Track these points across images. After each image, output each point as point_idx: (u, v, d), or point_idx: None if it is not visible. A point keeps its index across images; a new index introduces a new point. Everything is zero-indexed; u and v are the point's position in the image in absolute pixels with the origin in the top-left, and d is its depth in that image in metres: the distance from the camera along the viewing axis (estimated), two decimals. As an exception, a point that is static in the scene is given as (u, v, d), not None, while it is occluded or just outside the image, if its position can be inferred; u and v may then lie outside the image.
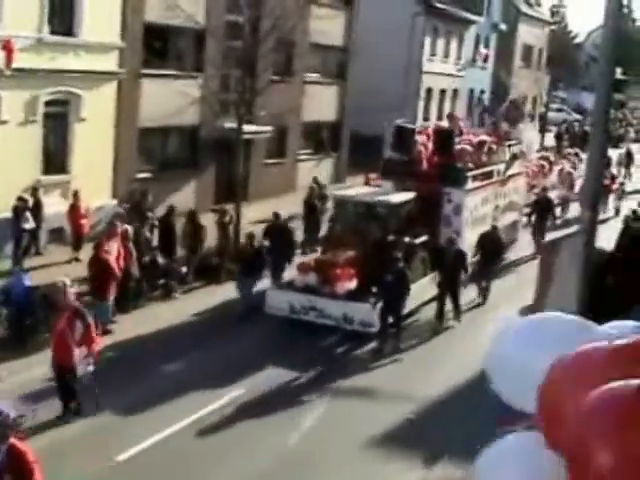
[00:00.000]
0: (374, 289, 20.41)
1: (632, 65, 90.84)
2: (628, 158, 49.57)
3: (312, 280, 20.99)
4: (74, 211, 25.23)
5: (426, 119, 49.71)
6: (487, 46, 62.48)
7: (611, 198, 37.65)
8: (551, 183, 38.00)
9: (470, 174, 25.65)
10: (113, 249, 20.66)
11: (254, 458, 14.40)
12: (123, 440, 14.71)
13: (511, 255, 28.71)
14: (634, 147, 56.87)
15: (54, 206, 25.32)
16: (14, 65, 23.60)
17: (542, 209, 30.62)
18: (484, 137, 28.82)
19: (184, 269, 24.12)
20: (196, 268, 24.31)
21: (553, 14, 75.92)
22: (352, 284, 20.89)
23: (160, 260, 23.13)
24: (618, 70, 68.49)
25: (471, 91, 60.15)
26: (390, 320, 20.08)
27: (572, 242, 9.90)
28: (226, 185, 31.31)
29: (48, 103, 25.60)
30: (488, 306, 23.80)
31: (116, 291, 20.32)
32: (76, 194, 25.19)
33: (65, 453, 14.02)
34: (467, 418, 15.44)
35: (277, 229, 24.39)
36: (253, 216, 28.65)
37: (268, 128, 33.64)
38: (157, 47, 30.24)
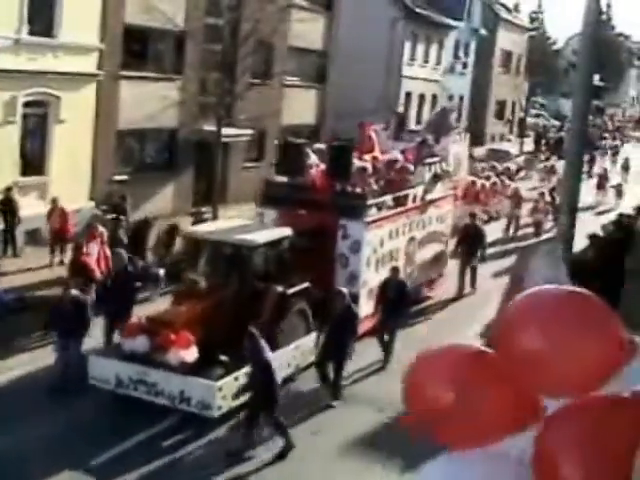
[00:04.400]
0: (223, 359, 15.94)
1: (610, 72, 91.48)
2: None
3: (141, 345, 15.86)
4: (56, 215, 24.76)
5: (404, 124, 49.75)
6: (467, 51, 62.66)
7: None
8: (496, 206, 36.40)
9: (373, 201, 20.81)
10: (94, 251, 20.58)
11: None
12: None
13: (434, 293, 24.74)
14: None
15: (31, 208, 25.18)
16: (-8, 66, 23.52)
17: (471, 239, 25.81)
18: (395, 154, 24.25)
19: (161, 271, 23.89)
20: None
21: (532, 20, 76.53)
22: (192, 352, 15.71)
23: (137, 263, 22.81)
24: (596, 77, 68.87)
25: (450, 96, 60.30)
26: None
27: (549, 247, 9.89)
28: (204, 188, 31.28)
29: (26, 104, 25.47)
30: (389, 370, 18.70)
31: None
32: (54, 200, 24.82)
33: None
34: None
35: (122, 269, 18.92)
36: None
37: (247, 131, 33.63)
38: (136, 49, 30.15)
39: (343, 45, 42.31)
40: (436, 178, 24.61)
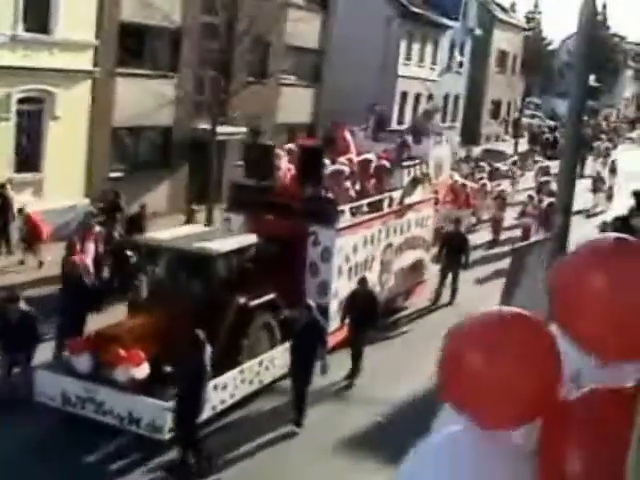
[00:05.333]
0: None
1: (606, 73, 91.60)
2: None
3: (84, 363, 14.87)
4: (24, 222, 24.24)
5: (400, 123, 49.80)
6: (462, 51, 62.70)
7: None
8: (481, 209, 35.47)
9: (346, 207, 19.64)
10: (90, 250, 20.53)
11: None
12: None
13: (412, 302, 23.75)
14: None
15: (25, 204, 25.12)
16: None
17: (453, 245, 24.57)
18: (369, 156, 22.91)
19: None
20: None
21: (528, 20, 76.55)
22: (143, 369, 14.67)
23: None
24: (592, 77, 68.95)
25: (446, 96, 60.33)
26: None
27: (542, 246, 9.91)
28: (199, 186, 31.25)
29: (21, 101, 25.45)
30: (356, 390, 17.88)
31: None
32: (20, 210, 24.33)
33: None
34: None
35: (74, 275, 18.01)
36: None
37: (242, 130, 33.60)
38: (132, 46, 30.11)
39: (339, 44, 42.33)
40: (415, 181, 23.50)
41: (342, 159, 22.17)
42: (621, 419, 3.39)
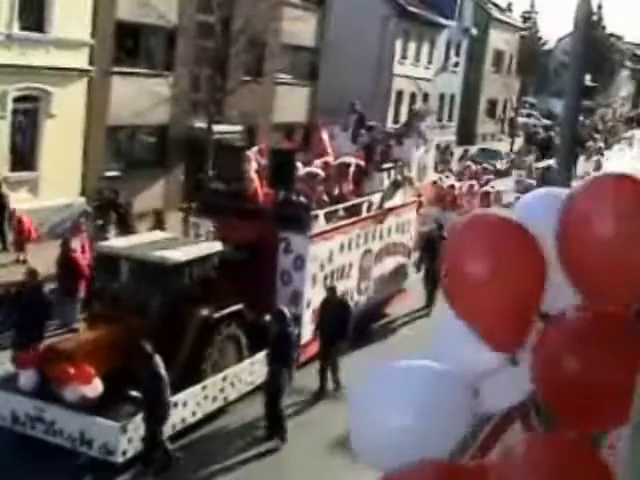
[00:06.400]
0: (133, 394, 13.46)
1: (602, 72, 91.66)
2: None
3: (31, 379, 13.93)
4: (15, 223, 24.30)
5: (396, 122, 49.83)
6: (458, 50, 62.72)
7: None
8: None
9: (320, 212, 18.66)
10: (79, 247, 20.53)
11: None
12: None
13: (393, 309, 22.71)
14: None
15: (21, 203, 25.12)
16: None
17: (436, 250, 22.35)
18: (347, 159, 21.56)
19: None
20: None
21: (524, 20, 76.57)
22: (95, 387, 13.67)
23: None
24: (587, 77, 68.98)
25: (442, 95, 60.35)
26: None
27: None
28: (195, 185, 31.23)
29: (17, 99, 25.41)
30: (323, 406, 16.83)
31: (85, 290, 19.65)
32: (13, 211, 24.39)
33: None
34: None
35: (33, 288, 16.70)
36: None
37: (238, 128, 33.60)
38: (128, 45, 30.09)
39: (335, 43, 42.35)
40: (396, 185, 22.43)
41: (318, 162, 21.15)
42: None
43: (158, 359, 13.08)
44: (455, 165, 47.61)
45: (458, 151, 55.53)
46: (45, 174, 26.33)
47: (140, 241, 16.72)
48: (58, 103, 26.51)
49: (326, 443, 15.19)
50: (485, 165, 45.28)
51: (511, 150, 60.76)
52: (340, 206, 19.77)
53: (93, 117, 28.24)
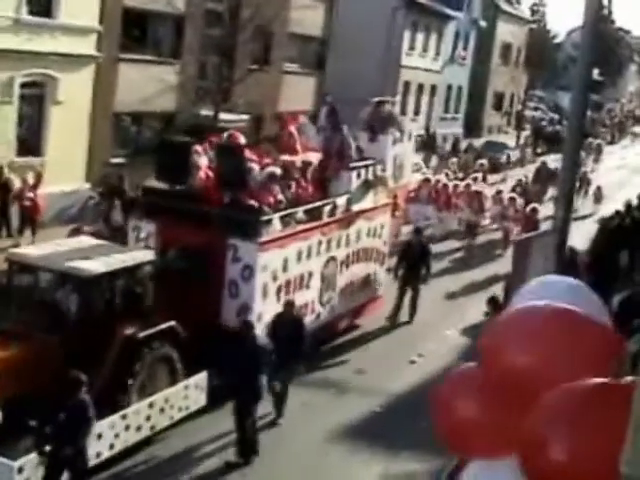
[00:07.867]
0: (34, 425, 11.84)
1: (610, 67, 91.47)
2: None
3: None
4: (26, 192, 24.36)
5: (403, 113, 49.74)
6: (466, 42, 62.57)
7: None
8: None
9: (275, 215, 16.76)
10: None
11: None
12: None
13: (362, 321, 20.75)
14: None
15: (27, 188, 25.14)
16: (-10, 45, 23.44)
17: (413, 257, 21.44)
18: (309, 156, 19.75)
19: None
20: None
21: (533, 13, 76.22)
22: None
23: None
24: (595, 71, 68.86)
25: (449, 87, 60.24)
26: None
27: (545, 240, 9.95)
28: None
29: (24, 85, 25.39)
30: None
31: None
32: (24, 180, 24.50)
33: None
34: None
35: None
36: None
37: (244, 117, 33.57)
38: (135, 32, 30.06)
39: (342, 32, 42.28)
40: (367, 185, 20.39)
41: (283, 158, 19.22)
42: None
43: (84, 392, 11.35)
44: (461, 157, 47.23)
45: (463, 143, 55.37)
46: (51, 160, 26.32)
47: (59, 249, 14.35)
48: (65, 89, 26.49)
49: (326, 437, 15.19)
50: (482, 161, 43.15)
51: (517, 143, 60.58)
52: (299, 209, 17.74)
53: (99, 103, 28.21)
